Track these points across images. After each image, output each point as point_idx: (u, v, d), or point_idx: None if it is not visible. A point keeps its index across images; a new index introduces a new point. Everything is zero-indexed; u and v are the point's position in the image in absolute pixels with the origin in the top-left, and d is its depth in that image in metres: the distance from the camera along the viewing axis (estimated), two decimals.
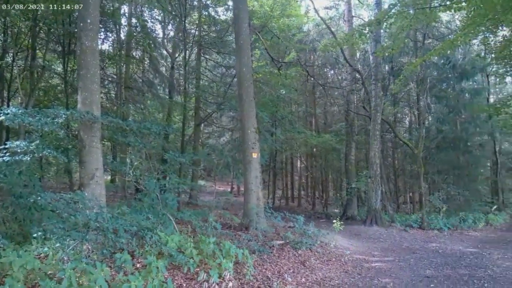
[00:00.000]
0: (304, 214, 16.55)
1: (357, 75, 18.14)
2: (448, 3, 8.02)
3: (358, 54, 20.80)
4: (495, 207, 21.60)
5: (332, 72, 24.28)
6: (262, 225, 9.35)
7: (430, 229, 14.29)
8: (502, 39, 15.51)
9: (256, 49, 16.58)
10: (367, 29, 8.99)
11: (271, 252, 7.55)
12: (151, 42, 15.36)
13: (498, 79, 22.38)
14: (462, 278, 6.72)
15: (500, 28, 15.13)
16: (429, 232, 13.74)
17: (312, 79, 20.53)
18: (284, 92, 17.22)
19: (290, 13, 16.08)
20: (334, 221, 10.92)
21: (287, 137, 17.59)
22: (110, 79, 16.41)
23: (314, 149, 21.93)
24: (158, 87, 17.56)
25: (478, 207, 20.28)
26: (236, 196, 22.71)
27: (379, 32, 15.18)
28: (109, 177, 19.11)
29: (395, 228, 14.21)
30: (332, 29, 19.05)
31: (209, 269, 5.47)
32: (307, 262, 7.40)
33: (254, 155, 9.85)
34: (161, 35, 17.93)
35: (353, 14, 19.76)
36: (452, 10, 9.29)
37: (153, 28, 16.41)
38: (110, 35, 15.64)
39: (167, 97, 16.38)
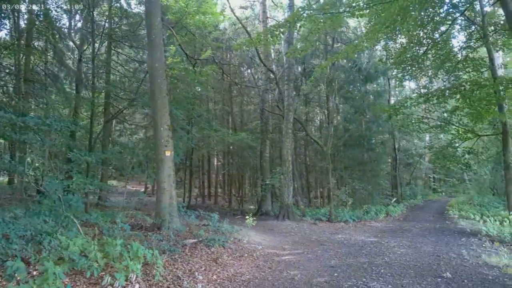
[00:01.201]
0: (220, 211, 16.65)
1: (271, 75, 18.66)
2: (351, 10, 8.59)
3: (272, 55, 21.40)
4: (394, 199, 23.70)
5: (248, 71, 24.67)
6: (175, 225, 9.19)
7: (337, 221, 15.22)
8: (400, 46, 17.02)
9: (172, 45, 16.22)
10: (278, 30, 9.30)
11: (183, 251, 7.46)
12: (55, 32, 14.24)
13: (397, 82, 24.46)
14: (362, 266, 7.26)
15: (399, 36, 16.63)
16: (336, 225, 14.64)
17: (227, 77, 20.67)
18: (199, 89, 17.09)
19: (206, 11, 15.98)
20: (247, 217, 11.11)
21: (203, 135, 17.51)
22: (7, 70, 14.91)
23: (231, 147, 22.12)
24: (64, 81, 16.35)
25: (380, 200, 22.10)
26: (151, 196, 22.06)
27: (292, 34, 15.76)
28: (6, 179, 17.41)
29: (305, 222, 14.90)
30: (248, 29, 19.38)
31: (115, 272, 5.25)
32: (220, 259, 7.44)
33: (167, 153, 9.63)
34: (67, 25, 16.72)
35: (268, 15, 20.27)
36: (356, 17, 10.01)
37: (58, 17, 15.23)
38: (7, 22, 14.22)
39: (74, 92, 15.33)
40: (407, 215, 18.78)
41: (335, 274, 6.63)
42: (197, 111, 16.61)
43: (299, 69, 21.82)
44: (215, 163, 26.49)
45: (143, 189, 23.81)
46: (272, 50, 20.53)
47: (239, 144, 19.10)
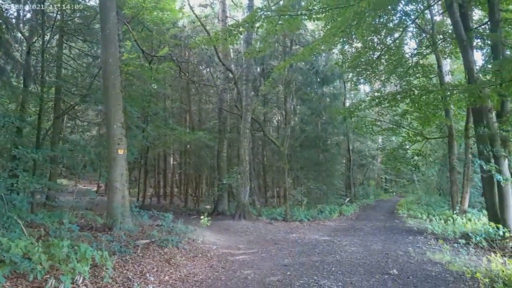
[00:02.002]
0: (176, 211, 16.40)
1: (230, 74, 18.63)
2: (307, 13, 8.76)
3: (232, 54, 21.38)
4: (348, 199, 24.38)
5: (207, 70, 24.49)
6: (127, 225, 8.94)
7: (292, 221, 15.44)
8: (355, 50, 17.53)
9: (128, 41, 15.78)
10: (236, 30, 9.30)
11: (135, 252, 7.27)
12: (1, 22, 13.42)
13: (352, 86, 25.17)
14: (314, 264, 7.41)
15: (355, 40, 17.13)
16: (292, 224, 14.85)
17: (185, 75, 20.42)
18: (156, 87, 16.75)
19: (164, 7, 15.66)
20: (202, 217, 11.03)
21: (159, 133, 17.17)
22: None
23: (188, 146, 21.85)
24: (11, 74, 15.44)
25: (334, 200, 22.66)
26: (103, 195, 21.33)
27: (251, 34, 15.81)
28: None
29: (261, 221, 15.00)
30: (207, 28, 19.23)
31: (61, 275, 5.03)
32: (173, 260, 7.33)
33: (120, 152, 9.36)
34: (15, 15, 15.81)
35: (228, 14, 20.23)
36: (313, 20, 10.22)
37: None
38: None
39: (22, 86, 14.53)
40: (360, 215, 19.37)
41: (288, 273, 6.72)
42: (153, 108, 16.26)
43: (258, 69, 21.94)
44: (172, 162, 26.05)
45: (95, 189, 22.96)
46: (231, 50, 20.50)
47: (197, 143, 18.92)
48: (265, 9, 8.81)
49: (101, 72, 12.08)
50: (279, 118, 26.71)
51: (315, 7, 8.55)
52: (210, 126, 21.71)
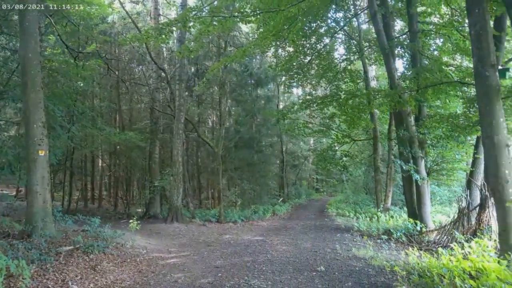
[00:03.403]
0: (104, 215, 15.72)
1: (162, 73, 18.21)
2: (239, 15, 8.83)
3: (165, 53, 20.90)
4: (281, 199, 24.95)
5: (139, 68, 23.69)
6: (49, 231, 8.36)
7: (226, 222, 15.47)
8: (287, 54, 18.01)
9: (51, 35, 14.79)
10: (168, 29, 9.11)
11: (57, 260, 6.82)
12: None
13: (285, 88, 25.82)
14: (246, 264, 7.47)
15: (287, 44, 17.56)
16: (225, 225, 14.87)
17: (114, 73, 19.61)
18: (82, 84, 15.87)
19: (92, 1, 14.87)
20: (131, 221, 10.66)
21: (86, 133, 16.27)
22: None
23: (118, 147, 20.97)
24: None
25: (268, 200, 23.07)
26: (23, 200, 19.73)
27: (184, 33, 15.57)
28: None
29: (195, 223, 14.84)
30: (139, 25, 18.62)
31: None
32: (99, 266, 6.99)
33: (41, 153, 8.74)
34: None
35: (161, 12, 19.76)
36: (245, 23, 10.32)
37: None
38: None
39: None
40: (292, 214, 19.90)
41: (219, 274, 6.71)
42: (80, 107, 15.37)
43: (192, 69, 21.71)
44: (100, 164, 24.84)
45: (14, 193, 21.19)
46: (164, 49, 20.04)
47: (127, 144, 18.17)
48: (197, 9, 8.73)
49: (19, 67, 11.20)
50: (214, 119, 26.61)
51: (247, 10, 8.64)
52: (141, 126, 21.02)
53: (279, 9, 8.18)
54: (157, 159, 18.38)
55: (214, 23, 9.42)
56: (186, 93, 18.08)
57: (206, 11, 9.71)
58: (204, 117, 26.78)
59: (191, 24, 9.18)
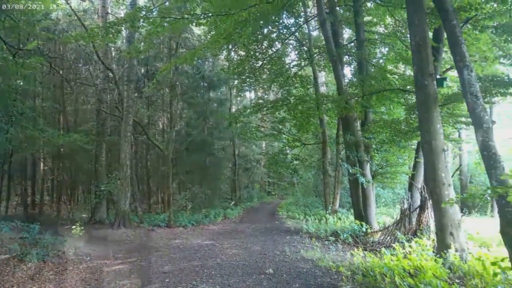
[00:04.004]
0: (46, 221, 14.96)
1: (110, 74, 17.61)
2: (189, 17, 8.75)
3: (113, 53, 20.25)
4: (233, 202, 24.90)
5: (86, 68, 22.72)
6: None
7: (176, 226, 15.20)
8: (239, 58, 18.09)
9: None
10: (115, 28, 8.82)
11: None
12: None
13: (238, 92, 25.85)
14: (194, 269, 7.37)
15: (239, 48, 17.64)
16: (175, 230, 14.61)
17: (58, 72, 18.72)
18: (22, 83, 14.97)
19: None
20: (74, 227, 10.20)
21: (26, 135, 15.34)
22: None
23: (62, 150, 19.97)
24: None
25: (219, 203, 22.95)
26: None
27: (133, 33, 15.16)
28: None
29: (143, 228, 14.46)
30: (86, 23, 17.90)
31: None
32: (37, 275, 6.63)
33: None
34: None
35: (110, 11, 19.15)
36: (196, 25, 10.24)
37: None
38: None
39: None
40: (243, 217, 19.92)
41: (167, 280, 6.57)
42: (19, 107, 14.49)
43: (142, 70, 21.20)
44: (42, 168, 23.53)
45: None
46: (112, 48, 19.40)
47: (72, 146, 17.36)
48: (145, 9, 8.53)
49: None
50: (165, 121, 26.09)
51: (197, 12, 8.59)
52: (87, 128, 20.14)
53: (230, 12, 8.19)
54: (104, 162, 17.72)
55: (165, 24, 9.28)
56: (135, 95, 17.60)
57: (157, 11, 9.52)
58: (154, 119, 26.20)
59: (140, 24, 8.97)
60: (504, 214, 5.14)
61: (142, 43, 13.71)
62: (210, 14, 8.73)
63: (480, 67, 10.20)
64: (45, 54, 15.80)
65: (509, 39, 8.93)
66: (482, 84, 8.49)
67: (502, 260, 5.15)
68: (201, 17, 8.77)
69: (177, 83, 20.02)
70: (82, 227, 10.67)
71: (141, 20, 8.67)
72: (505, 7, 7.78)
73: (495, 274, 5.03)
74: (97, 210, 16.64)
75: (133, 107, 16.02)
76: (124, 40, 17.30)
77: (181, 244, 11.15)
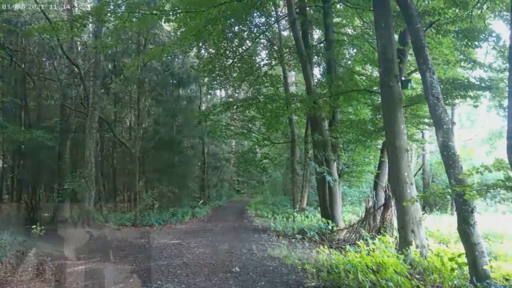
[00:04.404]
0: (4, 221, 14.38)
1: (75, 69, 17.08)
2: (158, 13, 8.61)
3: (79, 47, 19.64)
4: (201, 201, 24.72)
5: (50, 62, 21.92)
6: None
7: (142, 226, 14.96)
8: (209, 56, 17.97)
9: None
10: (80, 22, 8.54)
11: None
12: None
13: (207, 90, 25.69)
14: (160, 269, 7.26)
15: (209, 46, 17.51)
16: (141, 229, 14.36)
17: (19, 66, 17.99)
18: None
19: None
20: (34, 226, 9.86)
21: None
22: None
23: (23, 147, 19.18)
24: None
25: (187, 202, 22.72)
26: None
27: (100, 27, 14.76)
28: None
29: (108, 228, 14.14)
30: (51, 16, 17.26)
31: None
32: None
33: None
34: None
35: (76, 4, 18.56)
36: (165, 22, 10.08)
37: None
38: None
39: None
40: (212, 216, 19.83)
41: (131, 280, 6.46)
42: None
43: (109, 66, 20.70)
44: (1, 165, 22.54)
45: None
46: (78, 42, 18.82)
47: (34, 143, 16.72)
48: (112, 3, 8.32)
49: None
50: (132, 118, 25.56)
51: (166, 8, 8.46)
52: (51, 124, 19.43)
53: (199, 9, 8.12)
54: (68, 159, 17.19)
55: (133, 19, 9.08)
56: (102, 91, 17.14)
57: (125, 6, 9.29)
58: (122, 116, 25.60)
59: (106, 18, 8.74)
60: (461, 212, 5.34)
61: (109, 38, 13.38)
62: (179, 11, 8.64)
63: (442, 70, 10.59)
64: (5, 47, 15.15)
65: (470, 43, 9.31)
66: (444, 87, 8.80)
67: (459, 256, 5.37)
68: (170, 13, 8.66)
69: (146, 79, 19.67)
70: (44, 227, 10.30)
71: (108, 14, 8.47)
72: (466, 13, 8.10)
73: (452, 270, 5.24)
74: (60, 209, 16.11)
75: (99, 104, 15.61)
76: (91, 34, 16.83)
77: (147, 243, 11.00)
